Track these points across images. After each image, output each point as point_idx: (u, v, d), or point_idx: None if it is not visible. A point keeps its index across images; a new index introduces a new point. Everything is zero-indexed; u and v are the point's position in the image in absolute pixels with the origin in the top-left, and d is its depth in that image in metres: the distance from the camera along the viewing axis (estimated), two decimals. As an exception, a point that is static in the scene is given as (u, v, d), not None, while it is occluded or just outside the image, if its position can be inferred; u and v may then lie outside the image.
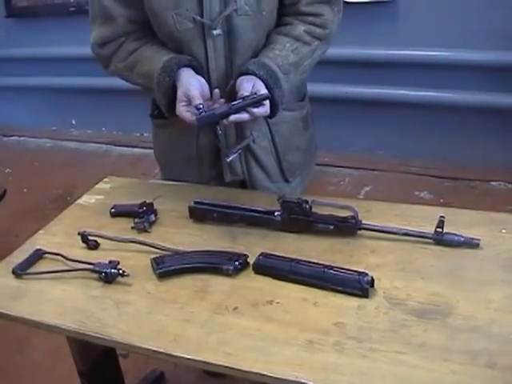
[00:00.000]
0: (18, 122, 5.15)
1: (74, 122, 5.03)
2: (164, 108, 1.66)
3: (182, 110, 1.55)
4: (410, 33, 3.50)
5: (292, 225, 1.55)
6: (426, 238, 1.45)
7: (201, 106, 1.50)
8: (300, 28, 1.65)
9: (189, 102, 1.55)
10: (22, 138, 5.18)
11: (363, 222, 1.50)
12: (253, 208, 1.59)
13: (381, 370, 1.10)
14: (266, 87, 1.55)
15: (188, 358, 1.21)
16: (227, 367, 1.18)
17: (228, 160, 1.65)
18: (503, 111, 3.48)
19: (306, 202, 1.53)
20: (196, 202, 1.65)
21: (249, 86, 1.53)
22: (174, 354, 1.23)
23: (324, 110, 3.67)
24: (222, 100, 1.57)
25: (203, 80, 1.60)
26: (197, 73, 1.60)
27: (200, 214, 1.65)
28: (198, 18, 1.57)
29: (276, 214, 1.56)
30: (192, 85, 1.56)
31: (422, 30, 3.47)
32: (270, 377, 1.13)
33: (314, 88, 3.48)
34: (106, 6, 1.64)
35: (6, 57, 4.84)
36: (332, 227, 1.51)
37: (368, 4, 3.49)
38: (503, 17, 3.25)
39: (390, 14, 3.52)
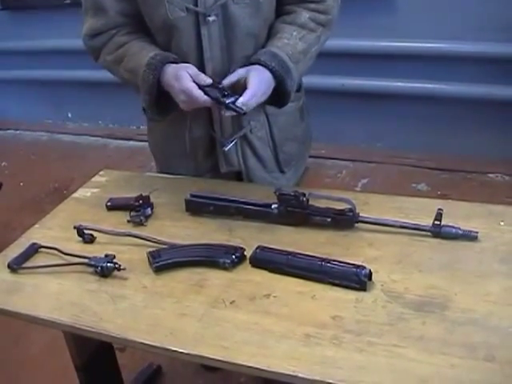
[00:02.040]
0: (13, 115, 5.14)
1: (70, 115, 5.01)
2: (147, 104, 1.65)
3: (192, 85, 1.52)
4: (408, 24, 3.49)
5: (289, 217, 1.54)
6: (424, 230, 1.44)
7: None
8: (305, 15, 1.64)
9: (194, 79, 1.54)
10: (17, 132, 5.16)
11: (360, 214, 1.49)
12: (250, 201, 1.59)
13: (379, 364, 1.10)
14: (278, 78, 1.56)
15: (184, 353, 1.20)
16: (224, 361, 1.17)
17: (226, 149, 1.65)
18: (501, 103, 3.47)
19: (303, 194, 1.52)
20: (192, 195, 1.64)
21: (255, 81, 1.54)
22: (171, 348, 1.22)
23: (321, 102, 3.65)
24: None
25: None
26: None
27: (196, 207, 1.64)
28: (192, 6, 1.56)
29: (273, 206, 1.56)
30: (194, 67, 1.57)
31: (420, 21, 3.45)
32: (268, 371, 1.13)
33: (311, 80, 3.47)
34: None
35: (1, 50, 4.82)
36: (329, 220, 1.51)
37: (365, -4, 3.48)
38: (501, 8, 3.24)
39: (387, 5, 3.50)
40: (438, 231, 1.43)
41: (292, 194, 1.53)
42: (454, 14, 3.35)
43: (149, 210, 1.67)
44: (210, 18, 1.57)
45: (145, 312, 1.32)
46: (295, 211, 1.53)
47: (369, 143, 3.92)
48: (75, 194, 1.87)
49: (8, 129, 5.21)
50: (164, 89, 1.60)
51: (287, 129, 1.80)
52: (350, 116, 3.84)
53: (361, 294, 1.28)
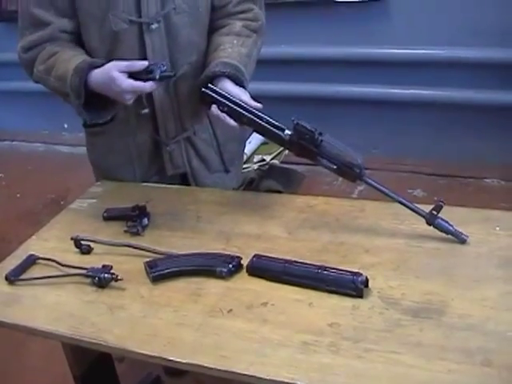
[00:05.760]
0: (9, 126, 5.12)
1: (66, 126, 5.00)
2: (78, 110, 1.70)
3: (130, 82, 1.55)
4: (402, 31, 3.50)
5: (297, 149, 1.52)
6: (420, 215, 1.46)
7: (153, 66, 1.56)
8: (238, 24, 1.74)
9: (128, 73, 1.56)
10: (14, 143, 5.15)
11: (358, 219, 1.49)
12: (265, 116, 1.55)
13: (377, 371, 1.10)
14: (237, 82, 1.61)
15: (183, 362, 1.20)
16: (223, 370, 1.17)
17: (169, 149, 1.75)
18: (497, 108, 3.48)
19: (320, 133, 1.50)
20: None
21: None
22: (169, 358, 1.22)
23: (316, 109, 3.66)
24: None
25: None
26: None
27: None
28: (134, 18, 1.62)
29: (286, 132, 1.53)
30: (119, 61, 1.59)
31: (414, 28, 3.47)
32: (266, 379, 1.13)
33: (306, 88, 3.49)
34: (36, 15, 1.66)
35: (-3, 61, 4.82)
36: (335, 167, 1.50)
37: (359, 3, 3.47)
38: (497, 13, 3.25)
39: (381, 12, 3.51)
40: (433, 220, 1.44)
41: (308, 128, 1.49)
42: (449, 20, 3.37)
43: (145, 220, 1.67)
44: (153, 26, 1.63)
45: (143, 322, 1.32)
46: (306, 146, 1.50)
47: (365, 150, 3.88)
48: (72, 205, 1.87)
49: (4, 140, 5.19)
50: (95, 91, 1.62)
51: (229, 129, 1.74)
52: (346, 123, 3.83)
53: (358, 300, 1.28)
